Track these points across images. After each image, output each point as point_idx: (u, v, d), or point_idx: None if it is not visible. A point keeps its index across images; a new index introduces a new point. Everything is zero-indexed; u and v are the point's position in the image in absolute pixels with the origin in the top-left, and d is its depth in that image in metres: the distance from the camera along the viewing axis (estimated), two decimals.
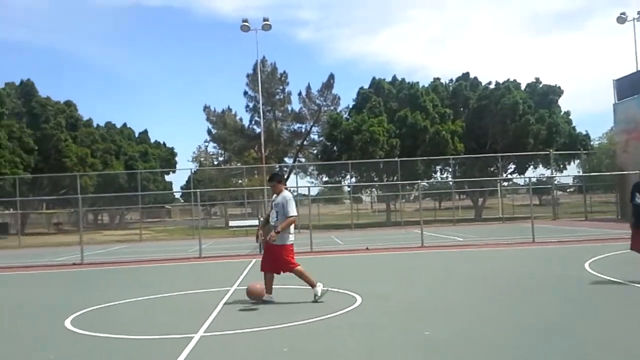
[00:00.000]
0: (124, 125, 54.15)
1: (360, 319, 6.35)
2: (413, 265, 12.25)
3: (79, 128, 38.58)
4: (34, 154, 32.89)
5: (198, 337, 5.61)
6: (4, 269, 15.10)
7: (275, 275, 7.63)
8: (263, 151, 35.22)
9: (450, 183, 36.58)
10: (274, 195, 7.66)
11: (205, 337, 5.64)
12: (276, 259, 7.45)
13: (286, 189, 8.02)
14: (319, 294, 7.36)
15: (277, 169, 43.21)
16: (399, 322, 6.12)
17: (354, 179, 37.57)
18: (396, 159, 33.10)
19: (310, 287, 7.47)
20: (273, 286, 7.59)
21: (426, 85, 38.48)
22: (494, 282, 8.87)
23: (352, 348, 5.06)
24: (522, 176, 38.61)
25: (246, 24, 30.93)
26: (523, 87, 37.79)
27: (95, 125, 45.06)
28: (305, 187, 47.34)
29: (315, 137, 44.41)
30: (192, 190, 32.20)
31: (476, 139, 35.81)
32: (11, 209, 38.51)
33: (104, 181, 40.13)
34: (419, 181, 26.58)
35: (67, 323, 6.64)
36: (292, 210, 7.40)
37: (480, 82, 38.37)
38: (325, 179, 40.41)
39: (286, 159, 45.52)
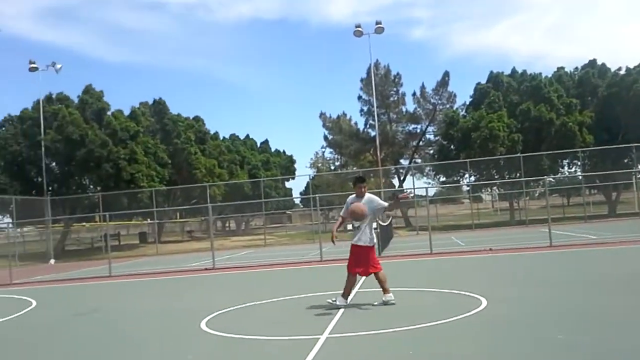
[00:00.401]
0: (247, 136, 56.96)
1: (486, 322, 6.17)
2: (541, 265, 11.65)
3: (206, 141, 41.01)
4: (168, 167, 35.41)
5: (324, 339, 5.76)
6: (144, 275, 16.47)
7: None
8: (379, 154, 35.25)
9: (580, 177, 34.29)
10: (355, 197, 7.75)
11: (330, 339, 5.78)
12: (369, 260, 7.58)
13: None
14: (341, 302, 7.53)
15: (393, 170, 43.08)
16: (528, 326, 5.84)
17: (472, 178, 36.45)
18: (519, 154, 31.70)
19: (343, 293, 7.66)
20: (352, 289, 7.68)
21: (549, 76, 36.54)
22: (634, 284, 8.19)
23: (480, 352, 4.94)
24: None
25: (359, 29, 31.20)
26: None
27: (221, 138, 47.75)
28: (422, 188, 46.67)
29: (431, 136, 43.62)
30: (310, 195, 33.02)
31: (607, 129, 33.23)
32: (148, 219, 41.84)
33: (231, 190, 42.30)
34: (545, 177, 25.11)
35: (203, 324, 7.10)
36: (384, 202, 8.00)
37: (609, 69, 35.67)
38: (442, 178, 39.57)
39: (402, 161, 45.17)
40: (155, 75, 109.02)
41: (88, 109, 33.42)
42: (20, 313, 9.79)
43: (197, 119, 41.49)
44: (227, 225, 63.09)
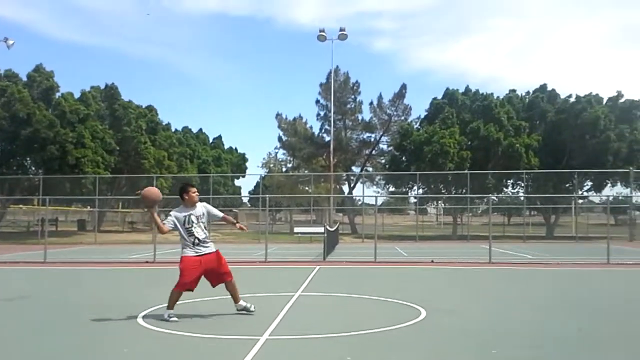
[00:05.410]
0: (200, 130, 56.13)
1: (424, 333, 6.27)
2: (480, 280, 11.95)
3: (158, 132, 40.04)
4: (115, 154, 34.46)
5: (263, 340, 5.72)
6: (81, 264, 15.96)
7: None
8: (332, 159, 35.46)
9: (522, 198, 35.47)
10: (184, 208, 7.05)
11: (270, 340, 5.74)
12: (224, 266, 7.23)
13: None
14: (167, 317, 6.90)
15: (344, 177, 43.39)
16: (465, 338, 5.97)
17: (420, 190, 37.13)
18: (466, 171, 32.53)
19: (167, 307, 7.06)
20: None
21: (501, 97, 37.68)
22: (565, 304, 8.50)
23: None
24: (598, 194, 36.98)
25: (323, 33, 31.44)
26: (604, 101, 36.13)
27: (173, 130, 46.82)
28: (371, 196, 47.14)
29: (384, 147, 44.31)
30: (260, 195, 32.80)
31: (553, 153, 34.57)
32: (89, 207, 40.57)
33: (178, 183, 41.39)
34: (489, 195, 25.87)
35: (139, 319, 6.93)
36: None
37: (559, 95, 37.15)
38: (391, 189, 40.15)
39: (354, 168, 45.65)
40: (109, 59, 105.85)
41: (37, 88, 32.21)
42: None
43: (150, 108, 40.54)
44: None
